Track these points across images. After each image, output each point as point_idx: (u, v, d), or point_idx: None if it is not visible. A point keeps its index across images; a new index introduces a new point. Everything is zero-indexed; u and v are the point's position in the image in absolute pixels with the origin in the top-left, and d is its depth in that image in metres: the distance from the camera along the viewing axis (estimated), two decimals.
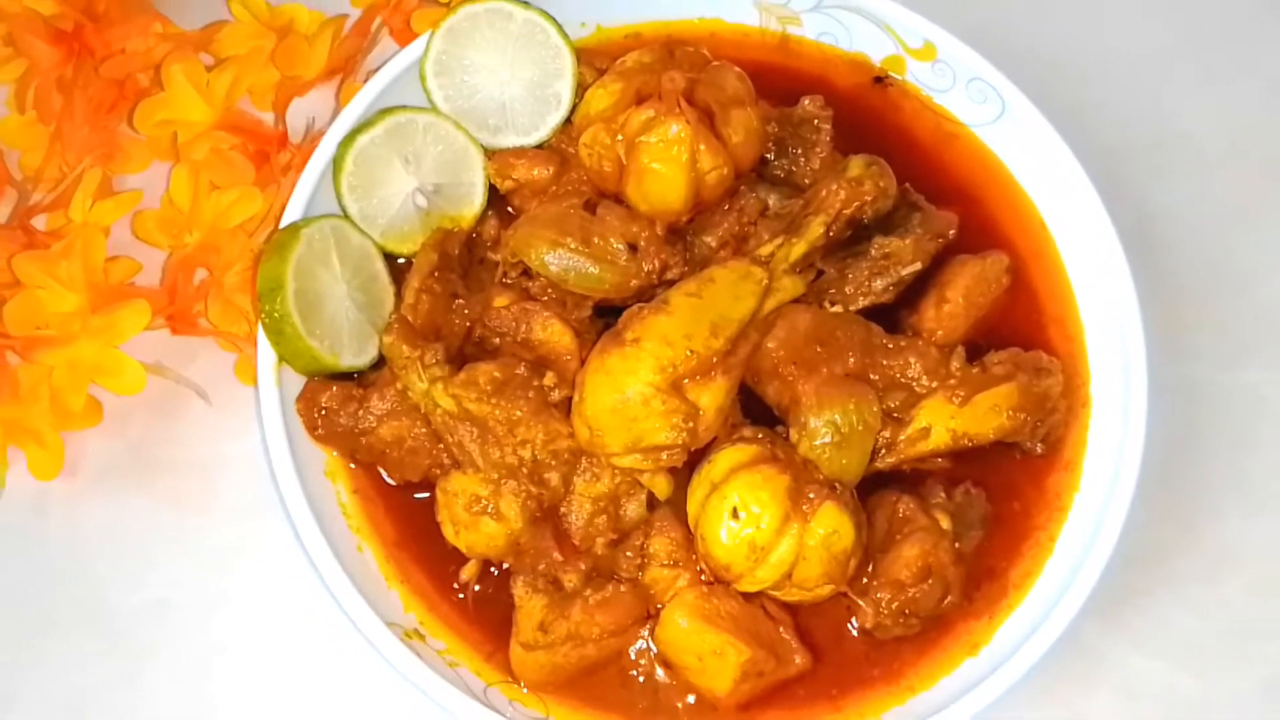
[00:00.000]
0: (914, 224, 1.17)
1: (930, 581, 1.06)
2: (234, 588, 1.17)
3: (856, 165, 1.15)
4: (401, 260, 1.18)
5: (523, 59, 1.20)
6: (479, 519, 1.07)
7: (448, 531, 1.09)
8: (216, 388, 1.23)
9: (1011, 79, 1.21)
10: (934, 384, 1.11)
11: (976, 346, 1.15)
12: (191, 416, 1.22)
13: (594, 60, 1.22)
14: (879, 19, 1.25)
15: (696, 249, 1.15)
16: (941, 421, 1.10)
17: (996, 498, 1.14)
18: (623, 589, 1.06)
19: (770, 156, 1.20)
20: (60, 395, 1.18)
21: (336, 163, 1.15)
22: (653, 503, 1.09)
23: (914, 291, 1.17)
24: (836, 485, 1.04)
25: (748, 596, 1.06)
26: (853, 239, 1.16)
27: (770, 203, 1.17)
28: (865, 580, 1.07)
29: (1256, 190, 1.33)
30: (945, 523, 1.09)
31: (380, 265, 1.17)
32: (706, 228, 1.15)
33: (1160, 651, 1.16)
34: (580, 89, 1.20)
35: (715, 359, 1.04)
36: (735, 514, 1.01)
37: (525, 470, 1.07)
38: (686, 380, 1.04)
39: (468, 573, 1.10)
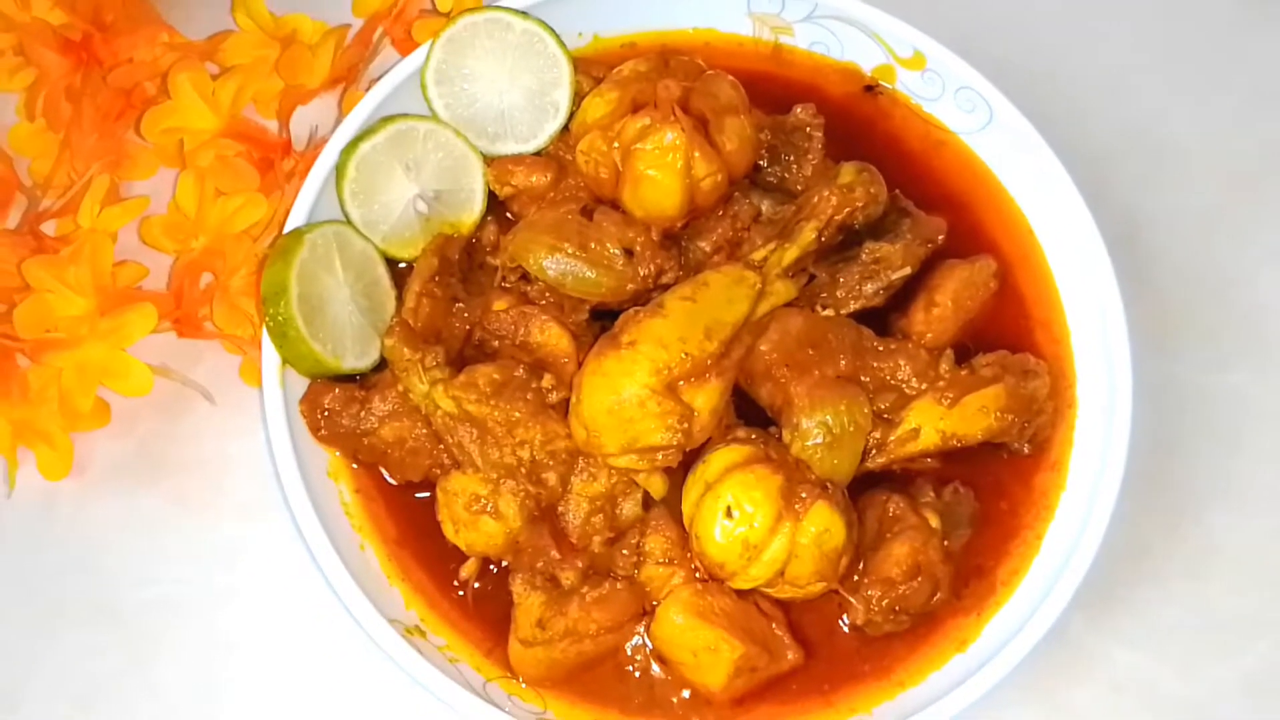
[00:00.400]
0: (904, 229, 1.17)
1: (920, 579, 1.06)
2: (239, 584, 1.17)
3: (848, 172, 1.15)
4: (403, 265, 1.18)
5: (521, 68, 1.20)
6: (478, 518, 1.07)
7: (448, 530, 1.09)
8: (222, 389, 1.23)
9: (999, 88, 1.21)
10: (923, 386, 1.11)
11: (965, 349, 1.15)
12: (197, 417, 1.22)
13: (591, 69, 1.21)
14: (869, 29, 1.25)
15: (691, 254, 1.15)
16: (931, 422, 1.10)
17: (985, 497, 1.14)
18: (619, 586, 1.06)
19: (763, 163, 1.20)
20: (69, 397, 1.18)
21: (339, 169, 1.15)
22: (648, 502, 1.09)
23: (904, 295, 1.17)
24: (828, 485, 1.04)
25: (741, 594, 1.05)
26: (844, 244, 1.16)
27: (763, 209, 1.17)
28: (856, 578, 1.07)
29: (1239, 196, 1.33)
30: (934, 521, 1.09)
31: (382, 270, 1.17)
32: (701, 233, 1.16)
33: (1145, 647, 1.16)
34: (577, 97, 1.20)
35: (709, 361, 1.04)
36: (729, 513, 1.01)
37: (524, 470, 1.07)
38: (681, 382, 1.03)
39: (467, 570, 1.10)
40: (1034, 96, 1.22)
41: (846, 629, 1.10)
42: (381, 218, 1.17)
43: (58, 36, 1.29)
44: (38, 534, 1.19)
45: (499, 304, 1.12)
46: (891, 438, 1.10)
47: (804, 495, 1.02)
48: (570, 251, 1.10)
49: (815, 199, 1.13)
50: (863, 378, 1.11)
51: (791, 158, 1.20)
